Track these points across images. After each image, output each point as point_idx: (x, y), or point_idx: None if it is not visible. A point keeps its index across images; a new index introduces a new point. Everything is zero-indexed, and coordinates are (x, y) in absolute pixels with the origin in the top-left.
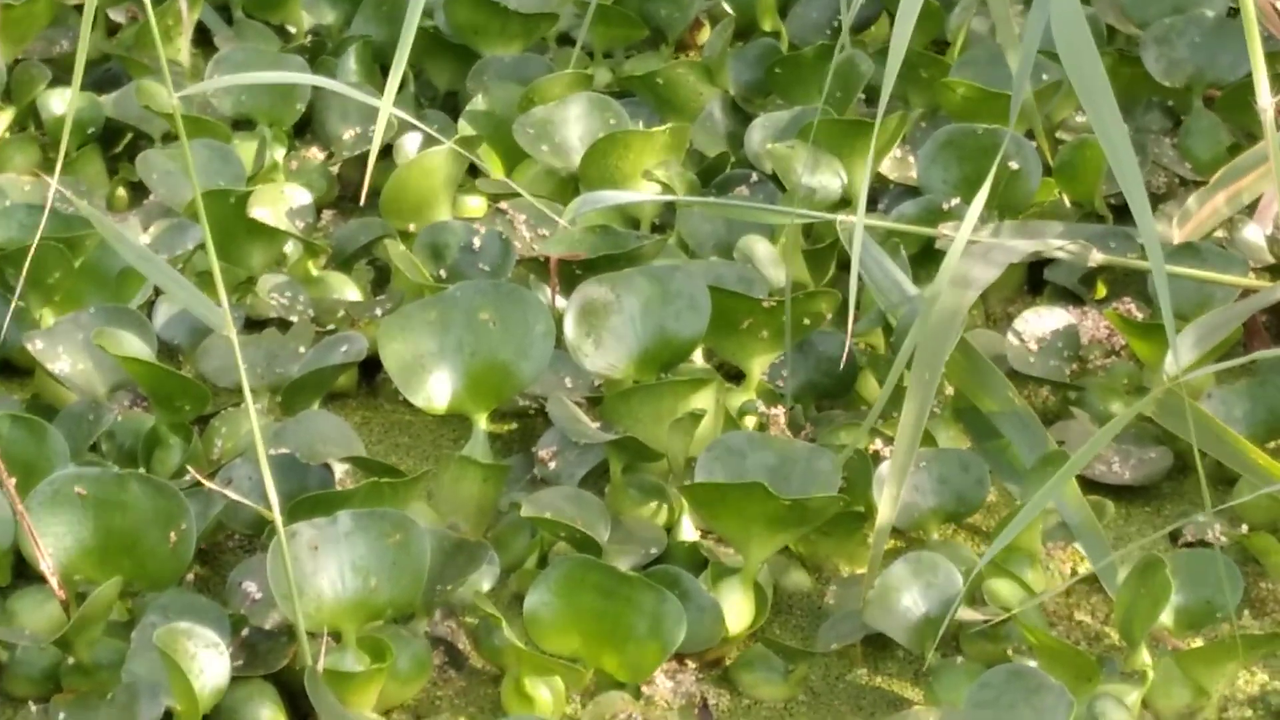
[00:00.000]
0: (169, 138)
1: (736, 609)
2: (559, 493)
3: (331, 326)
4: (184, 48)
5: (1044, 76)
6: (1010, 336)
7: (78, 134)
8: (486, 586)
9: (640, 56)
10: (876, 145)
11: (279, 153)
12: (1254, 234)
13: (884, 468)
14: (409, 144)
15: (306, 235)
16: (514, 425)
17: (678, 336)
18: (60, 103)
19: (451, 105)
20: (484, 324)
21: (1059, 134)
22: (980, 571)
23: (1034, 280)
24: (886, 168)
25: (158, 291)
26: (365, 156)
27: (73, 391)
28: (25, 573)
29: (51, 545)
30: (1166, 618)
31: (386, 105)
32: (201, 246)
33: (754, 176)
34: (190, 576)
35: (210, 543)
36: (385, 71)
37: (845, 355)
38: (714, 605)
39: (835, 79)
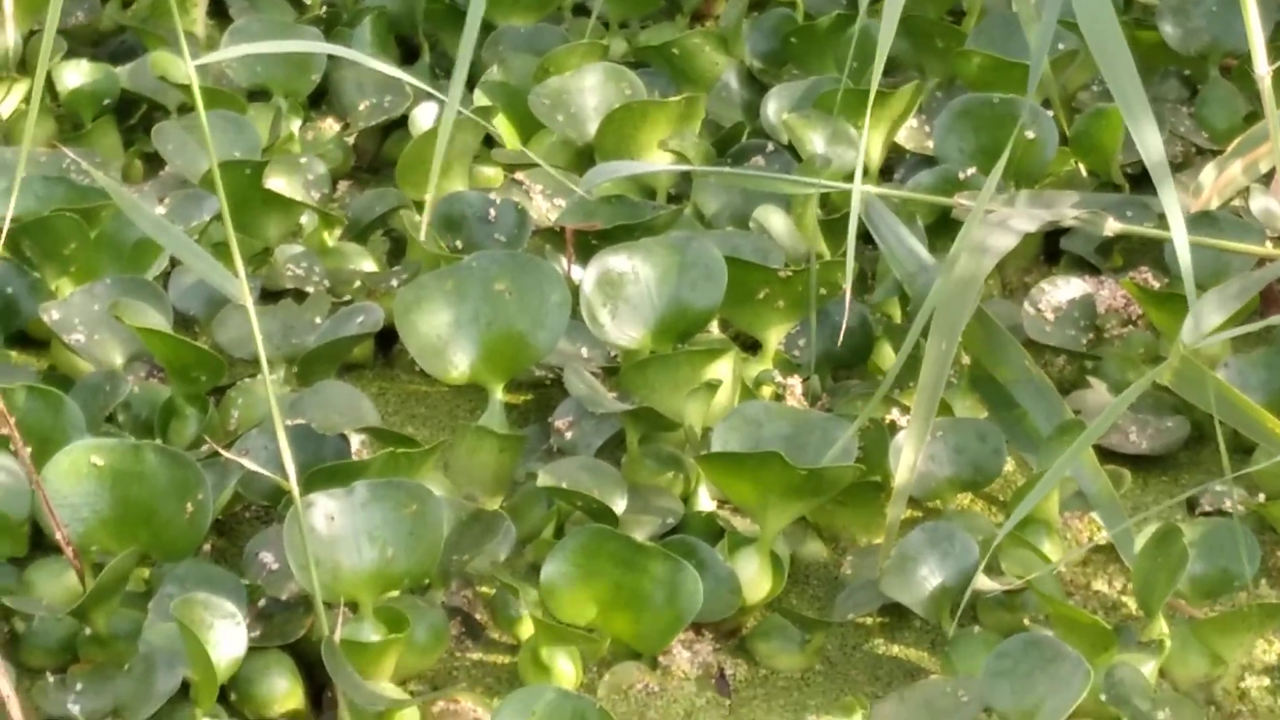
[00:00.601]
0: (184, 109)
1: (753, 579)
2: (575, 463)
3: (348, 297)
4: (199, 19)
5: (1060, 46)
6: (1027, 306)
7: (93, 106)
8: (503, 557)
9: (656, 27)
10: (893, 115)
11: (295, 124)
12: (1271, 203)
13: (900, 437)
14: (424, 115)
15: (322, 206)
16: (530, 396)
17: (694, 307)
18: (76, 75)
19: (467, 76)
20: (500, 294)
21: (1075, 103)
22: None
23: (1050, 250)
24: (903, 138)
25: (173, 263)
26: (381, 127)
27: (89, 362)
28: (42, 543)
29: (68, 516)
30: (1184, 587)
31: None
32: (217, 217)
33: (770, 146)
34: (207, 547)
35: (227, 514)
36: (401, 42)
37: (843, 325)
38: (731, 575)
39: (852, 48)
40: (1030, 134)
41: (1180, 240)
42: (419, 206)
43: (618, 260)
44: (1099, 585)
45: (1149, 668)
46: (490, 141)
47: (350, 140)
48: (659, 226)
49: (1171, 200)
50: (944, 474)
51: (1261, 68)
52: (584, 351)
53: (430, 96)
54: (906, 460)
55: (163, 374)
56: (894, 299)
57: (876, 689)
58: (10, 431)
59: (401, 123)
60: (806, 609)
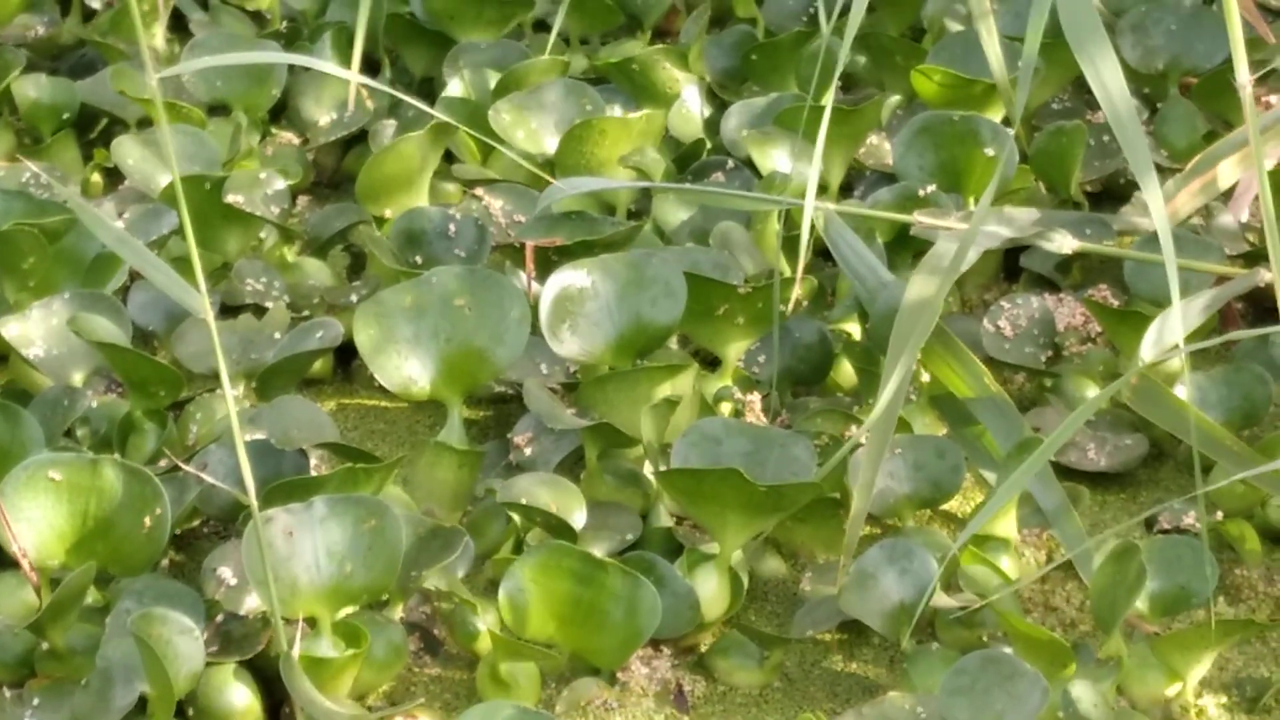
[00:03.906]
0: (144, 123)
1: (712, 595)
2: (535, 478)
3: (306, 312)
4: (159, 34)
5: (1020, 63)
6: (986, 323)
7: (52, 120)
8: (462, 572)
9: (616, 43)
10: (853, 132)
11: (254, 139)
12: (1229, 221)
13: (860, 454)
14: (385, 130)
15: (282, 221)
16: (489, 411)
17: (654, 323)
18: (35, 89)
19: (427, 92)
20: (459, 310)
21: (1034, 121)
22: (956, 557)
23: (1010, 267)
24: (863, 154)
25: (133, 277)
26: (341, 142)
27: (47, 377)
28: None
29: (26, 530)
30: (1141, 604)
31: None
32: (176, 232)
33: (730, 163)
34: (165, 562)
35: (185, 529)
36: (362, 58)
37: (778, 332)
38: (689, 591)
39: (812, 66)
40: (989, 151)
41: (1165, 239)
42: (379, 222)
43: (577, 276)
44: (1057, 602)
45: (1106, 685)
46: (450, 157)
47: (310, 155)
48: (619, 242)
49: (1157, 204)
50: (903, 491)
51: (1242, 76)
52: (543, 367)
53: (391, 112)
54: (865, 477)
55: (122, 389)
56: (853, 315)
57: (835, 705)
58: None
59: (361, 138)
60: (765, 625)
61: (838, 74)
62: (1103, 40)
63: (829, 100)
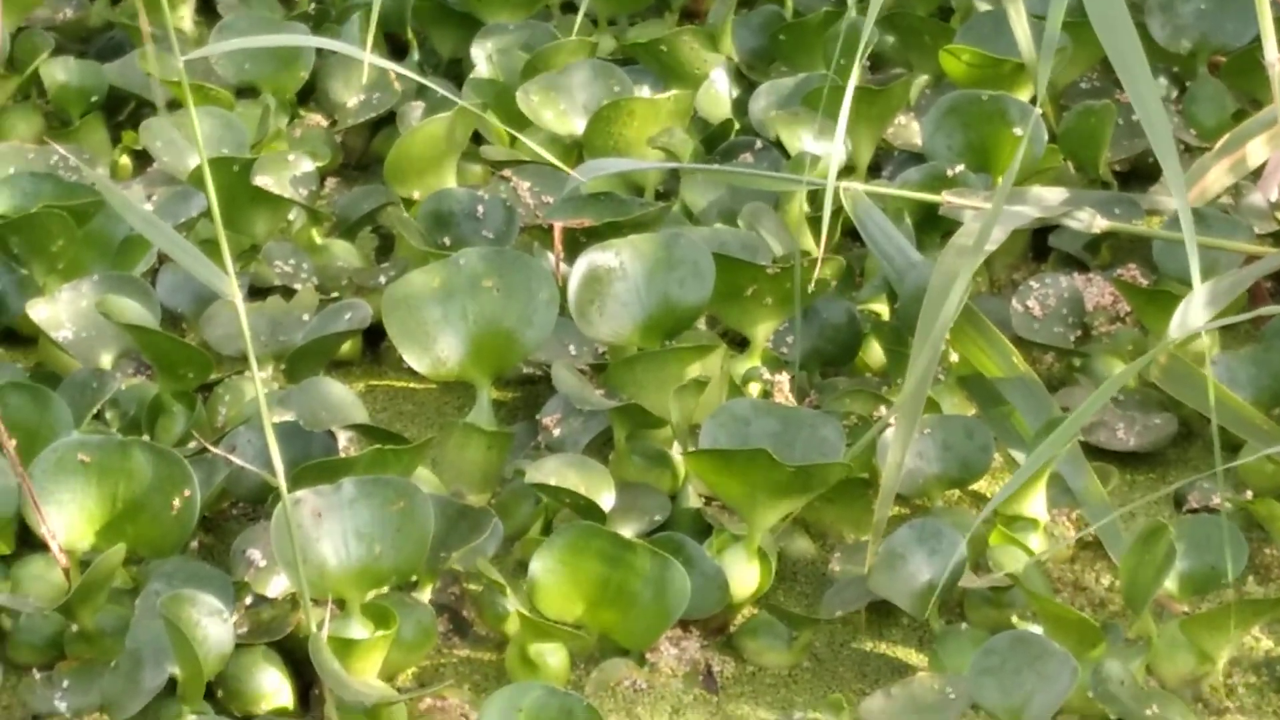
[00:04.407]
0: (172, 106)
1: (741, 576)
2: (563, 459)
3: (335, 294)
4: (187, 16)
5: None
6: (1015, 303)
7: (81, 102)
8: (491, 553)
9: (644, 24)
10: (881, 111)
11: (282, 121)
12: (1258, 200)
13: (888, 434)
14: (413, 112)
15: (310, 203)
16: (518, 392)
17: (682, 303)
18: (64, 71)
19: (455, 73)
20: (488, 291)
21: (1063, 100)
22: (985, 537)
23: (1039, 247)
24: (891, 134)
25: (161, 259)
26: (369, 124)
27: (76, 359)
28: (29, 540)
29: (55, 512)
30: (1171, 584)
31: None
32: (204, 214)
33: (758, 143)
34: (194, 544)
35: (214, 511)
36: (389, 39)
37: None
38: (718, 572)
39: (840, 45)
40: (1018, 131)
41: (1186, 221)
42: (407, 203)
43: (606, 257)
44: (1086, 582)
45: (1136, 664)
46: (478, 138)
47: (338, 137)
48: (647, 223)
49: (1180, 187)
50: (932, 471)
51: (1272, 54)
52: (571, 348)
53: (419, 94)
54: (894, 457)
55: (150, 371)
56: (882, 296)
57: (864, 686)
58: None
59: (389, 119)
60: (794, 606)
61: (862, 53)
62: (1126, 20)
63: (851, 79)
